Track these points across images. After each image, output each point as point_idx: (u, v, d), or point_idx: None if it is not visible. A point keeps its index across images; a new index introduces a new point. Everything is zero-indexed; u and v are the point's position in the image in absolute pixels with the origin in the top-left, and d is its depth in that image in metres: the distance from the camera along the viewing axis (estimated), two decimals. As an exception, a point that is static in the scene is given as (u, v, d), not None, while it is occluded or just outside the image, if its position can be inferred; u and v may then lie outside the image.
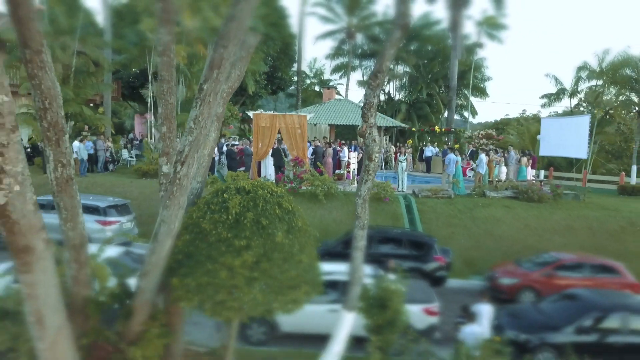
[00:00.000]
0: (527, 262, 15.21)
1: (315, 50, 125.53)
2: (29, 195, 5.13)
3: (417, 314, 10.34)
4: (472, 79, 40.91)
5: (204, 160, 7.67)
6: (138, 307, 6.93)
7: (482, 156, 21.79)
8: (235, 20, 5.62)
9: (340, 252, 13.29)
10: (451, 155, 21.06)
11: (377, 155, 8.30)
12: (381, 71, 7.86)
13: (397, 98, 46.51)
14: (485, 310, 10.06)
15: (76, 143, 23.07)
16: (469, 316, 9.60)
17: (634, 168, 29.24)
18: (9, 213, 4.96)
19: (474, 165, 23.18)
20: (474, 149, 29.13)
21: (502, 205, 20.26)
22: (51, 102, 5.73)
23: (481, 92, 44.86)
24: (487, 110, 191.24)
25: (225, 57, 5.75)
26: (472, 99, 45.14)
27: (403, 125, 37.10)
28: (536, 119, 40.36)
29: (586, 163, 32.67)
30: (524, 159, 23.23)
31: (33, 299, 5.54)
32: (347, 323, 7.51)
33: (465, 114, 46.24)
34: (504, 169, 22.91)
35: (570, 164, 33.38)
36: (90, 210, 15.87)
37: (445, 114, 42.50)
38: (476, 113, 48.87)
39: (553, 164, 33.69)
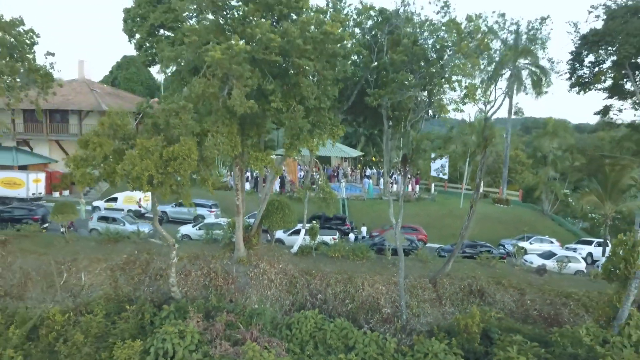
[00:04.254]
0: (384, 226, 37.28)
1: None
2: (240, 186, 27.10)
3: (330, 239, 32.34)
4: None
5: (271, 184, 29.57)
6: (254, 227, 28.92)
7: (381, 179, 43.85)
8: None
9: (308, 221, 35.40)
10: (365, 179, 43.33)
11: (310, 173, 30.25)
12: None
13: (360, 131, 68.57)
14: (363, 229, 32.54)
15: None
16: (355, 229, 31.97)
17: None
18: (239, 187, 26.92)
19: (385, 183, 45.32)
20: (394, 172, 51.17)
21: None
22: (244, 169, 27.67)
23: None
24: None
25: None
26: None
27: (359, 153, 59.12)
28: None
29: (464, 178, 54.78)
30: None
31: (238, 198, 27.31)
32: (302, 232, 29.45)
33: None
34: (394, 186, 45.07)
35: (456, 179, 55.60)
36: (203, 205, 37.86)
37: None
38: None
39: (451, 179, 55.86)
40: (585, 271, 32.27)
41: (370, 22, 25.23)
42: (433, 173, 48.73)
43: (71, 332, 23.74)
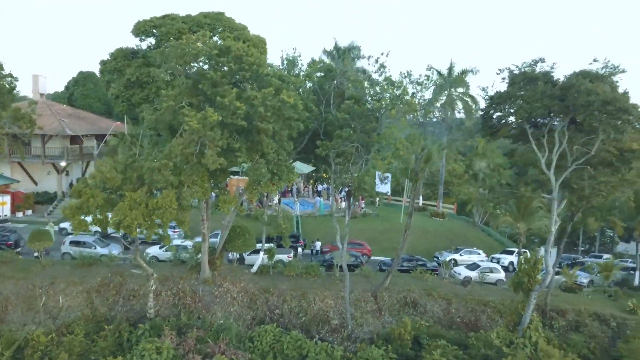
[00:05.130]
0: (334, 242, 41.66)
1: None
2: (206, 216, 30.66)
3: (285, 257, 36.36)
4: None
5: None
6: (217, 250, 32.52)
7: (332, 197, 48.22)
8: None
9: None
10: (317, 197, 47.57)
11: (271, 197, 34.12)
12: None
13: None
14: (317, 244, 36.77)
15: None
16: (307, 246, 36.13)
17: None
18: (204, 218, 30.50)
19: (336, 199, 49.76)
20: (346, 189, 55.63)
21: (338, 220, 46.71)
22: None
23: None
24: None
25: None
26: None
27: (312, 169, 63.23)
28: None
29: (405, 192, 60.03)
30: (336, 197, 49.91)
31: (204, 227, 30.81)
32: (261, 254, 33.30)
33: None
34: (343, 203, 49.59)
35: (398, 192, 60.79)
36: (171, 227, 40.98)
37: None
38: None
39: (394, 192, 60.89)
40: (504, 280, 37.72)
41: (319, 74, 29.44)
42: (377, 184, 53.56)
43: (55, 352, 26.68)
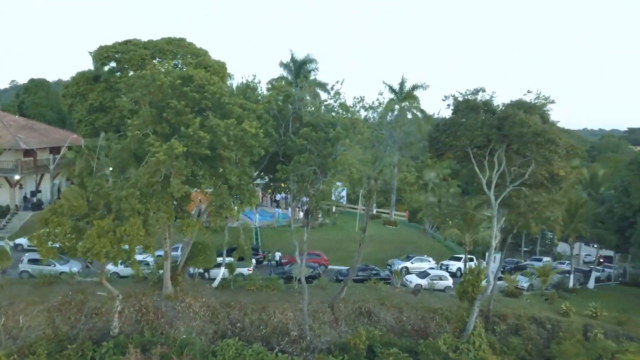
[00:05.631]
0: (293, 253, 43.23)
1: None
2: (166, 234, 31.55)
3: (245, 271, 37.63)
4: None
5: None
6: (179, 266, 33.43)
7: (290, 209, 49.72)
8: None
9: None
10: (275, 209, 48.99)
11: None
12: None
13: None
14: (277, 255, 38.17)
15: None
16: (266, 257, 37.51)
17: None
18: (166, 236, 31.38)
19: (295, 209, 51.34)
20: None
21: (297, 230, 48.28)
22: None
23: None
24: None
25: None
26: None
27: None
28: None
29: (359, 200, 62.22)
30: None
31: (166, 245, 31.74)
32: (222, 269, 34.45)
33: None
34: (300, 213, 51.17)
35: (354, 201, 62.92)
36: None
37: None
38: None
39: (350, 200, 62.88)
40: (452, 286, 40.31)
41: (280, 98, 30.87)
42: (333, 198, 55.48)
43: (17, 374, 26.99)
